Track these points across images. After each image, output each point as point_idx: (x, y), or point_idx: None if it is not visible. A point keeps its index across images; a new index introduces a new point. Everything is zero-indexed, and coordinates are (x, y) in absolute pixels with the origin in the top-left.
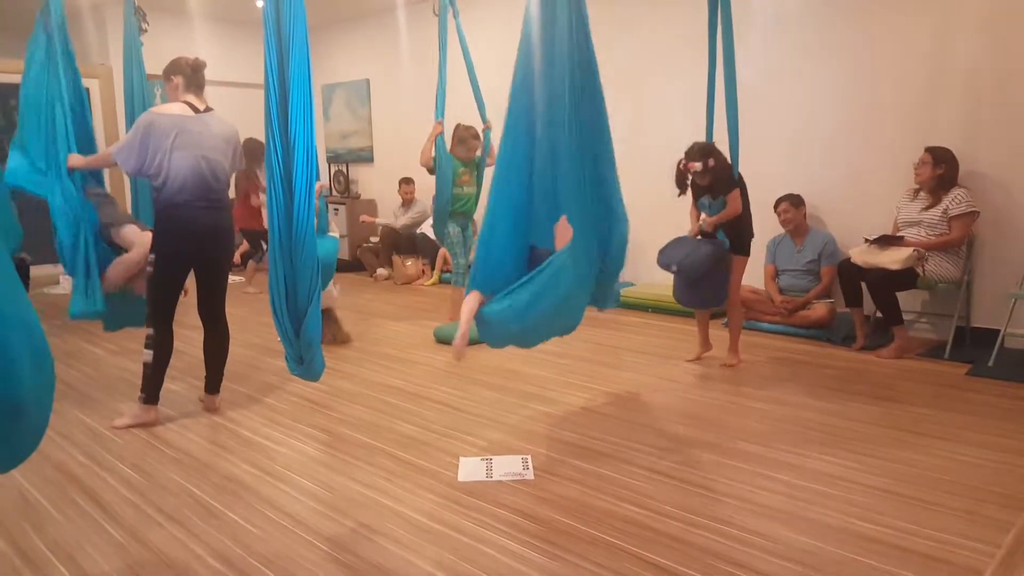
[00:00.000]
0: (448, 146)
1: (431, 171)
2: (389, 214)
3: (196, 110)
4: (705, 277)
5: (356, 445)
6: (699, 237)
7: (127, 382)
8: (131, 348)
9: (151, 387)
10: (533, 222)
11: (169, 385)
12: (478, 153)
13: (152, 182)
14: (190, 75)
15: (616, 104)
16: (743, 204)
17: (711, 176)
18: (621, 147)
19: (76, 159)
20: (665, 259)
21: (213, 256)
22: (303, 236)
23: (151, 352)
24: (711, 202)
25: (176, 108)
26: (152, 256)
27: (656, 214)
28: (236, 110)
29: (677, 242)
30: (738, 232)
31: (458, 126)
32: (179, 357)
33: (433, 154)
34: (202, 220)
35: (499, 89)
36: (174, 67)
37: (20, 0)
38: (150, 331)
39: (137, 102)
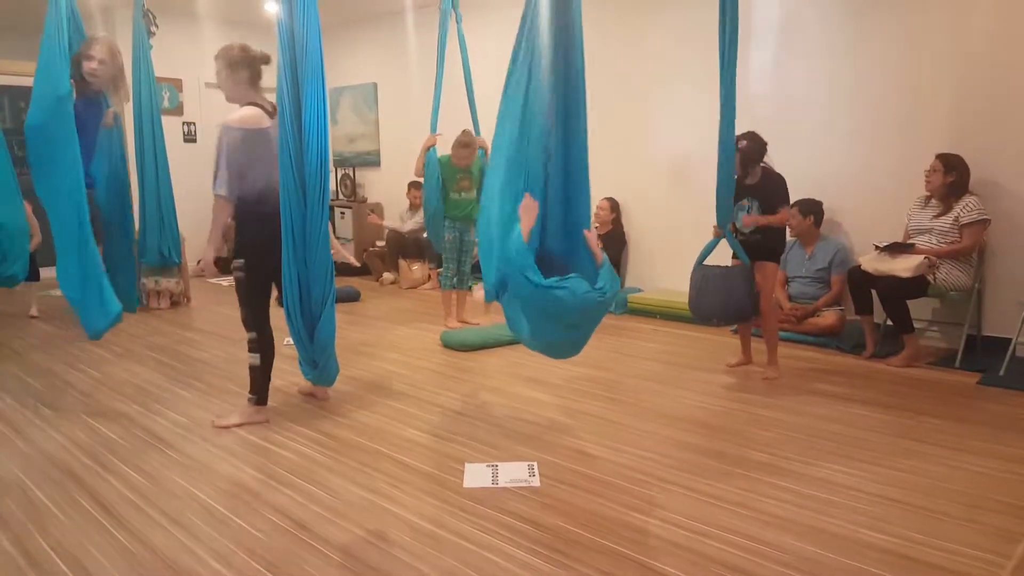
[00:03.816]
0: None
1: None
2: (396, 218)
3: (269, 115)
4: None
5: (361, 450)
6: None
7: (133, 385)
8: (136, 351)
9: (260, 388)
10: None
11: (176, 390)
12: (479, 159)
13: (221, 191)
14: (258, 69)
15: (623, 112)
16: (787, 197)
17: (738, 157)
18: (629, 155)
19: (211, 259)
20: (703, 312)
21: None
22: (317, 239)
23: (257, 355)
24: (750, 204)
25: (255, 117)
26: (241, 262)
27: (662, 222)
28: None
29: (702, 285)
30: (774, 239)
31: (459, 135)
32: (187, 363)
33: (424, 164)
34: (276, 227)
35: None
36: (246, 58)
37: (26, 1)
38: (252, 335)
39: (144, 105)
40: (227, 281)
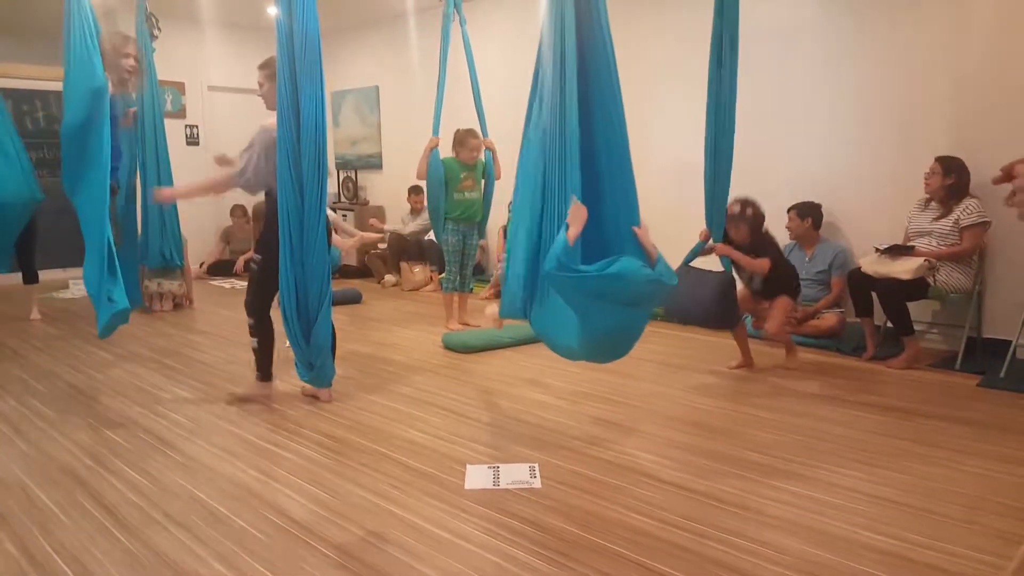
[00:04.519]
0: (449, 155)
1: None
2: (397, 220)
3: None
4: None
5: (362, 451)
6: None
7: (134, 386)
8: (138, 353)
9: (261, 366)
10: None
11: (178, 391)
12: (481, 157)
13: (250, 189)
14: None
15: (624, 115)
16: (782, 255)
17: (747, 227)
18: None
19: (168, 192)
20: (685, 311)
21: None
22: (314, 241)
23: (256, 339)
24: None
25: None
26: (259, 257)
27: (662, 224)
28: (246, 117)
29: (688, 284)
30: (786, 280)
31: (458, 130)
32: (189, 365)
33: (427, 167)
34: None
35: (506, 100)
36: None
37: (29, 4)
38: (251, 321)
39: (147, 108)
40: (229, 284)
